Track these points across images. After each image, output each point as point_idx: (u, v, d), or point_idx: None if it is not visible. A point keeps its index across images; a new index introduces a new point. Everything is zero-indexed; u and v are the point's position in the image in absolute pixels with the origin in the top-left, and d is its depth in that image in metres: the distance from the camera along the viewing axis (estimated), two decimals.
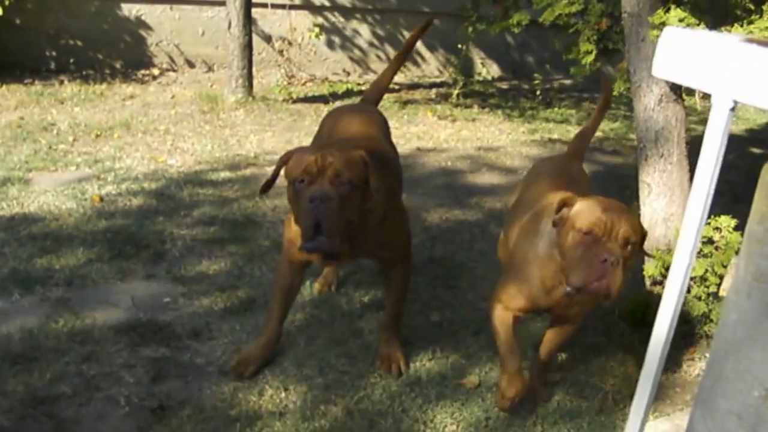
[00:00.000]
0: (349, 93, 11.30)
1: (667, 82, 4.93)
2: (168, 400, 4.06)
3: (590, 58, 7.35)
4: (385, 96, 11.38)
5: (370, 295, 5.25)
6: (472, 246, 6.20)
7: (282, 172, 4.07)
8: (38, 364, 4.29)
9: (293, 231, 4.13)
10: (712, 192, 2.54)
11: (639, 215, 5.09)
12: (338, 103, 10.56)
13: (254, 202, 6.66)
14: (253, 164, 7.72)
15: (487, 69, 13.66)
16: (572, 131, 10.06)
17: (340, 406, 4.12)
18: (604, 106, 5.10)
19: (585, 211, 3.71)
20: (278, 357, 4.49)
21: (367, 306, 5.13)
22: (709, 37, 2.42)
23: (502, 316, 4.06)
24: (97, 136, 8.48)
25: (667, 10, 4.67)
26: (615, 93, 6.79)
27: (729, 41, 2.33)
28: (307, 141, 8.55)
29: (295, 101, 10.65)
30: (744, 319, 2.26)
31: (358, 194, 3.90)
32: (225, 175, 7.37)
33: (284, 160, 4.04)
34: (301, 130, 9.17)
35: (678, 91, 5.05)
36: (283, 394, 4.18)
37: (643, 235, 3.80)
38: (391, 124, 9.59)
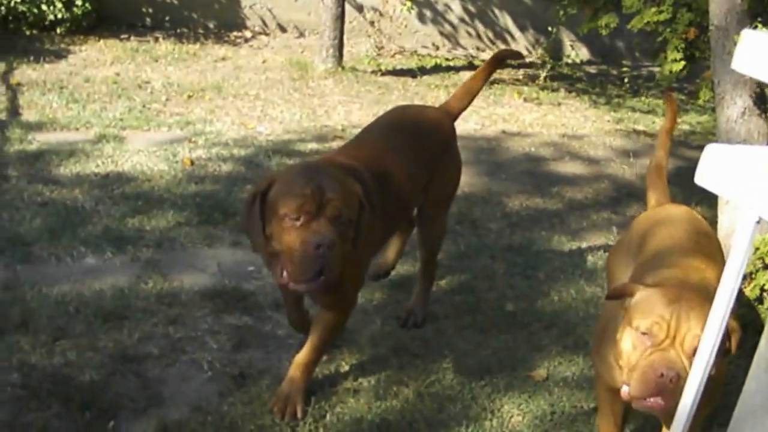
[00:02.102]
0: (436, 68, 11.37)
1: (750, 96, 4.95)
2: (249, 368, 4.24)
3: (678, 66, 7.34)
4: (472, 74, 11.45)
5: (447, 280, 5.36)
6: (551, 237, 6.27)
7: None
8: (128, 323, 4.51)
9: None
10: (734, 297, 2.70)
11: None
12: (426, 79, 10.66)
13: None
14: (341, 137, 7.85)
15: (576, 52, 13.58)
16: (658, 123, 10.01)
17: (412, 388, 4.25)
18: (671, 129, 4.55)
19: (645, 304, 3.15)
20: (355, 335, 4.64)
21: (444, 290, 5.25)
22: (744, 151, 2.56)
23: (600, 383, 3.64)
24: (189, 97, 8.70)
25: (755, 27, 4.68)
26: (700, 101, 6.83)
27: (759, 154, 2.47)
28: None
29: (383, 73, 10.75)
30: (761, 389, 2.58)
31: (351, 230, 3.67)
32: (312, 146, 7.52)
33: (263, 187, 3.63)
34: (387, 103, 9.26)
35: (762, 105, 5.06)
36: (358, 372, 4.33)
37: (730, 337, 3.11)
38: (477, 103, 9.72)
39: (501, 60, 5.33)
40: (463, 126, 8.71)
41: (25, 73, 8.95)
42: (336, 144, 7.61)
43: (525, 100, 10.51)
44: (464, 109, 5.00)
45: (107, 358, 4.22)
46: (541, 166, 7.96)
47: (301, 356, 4.06)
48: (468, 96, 4.99)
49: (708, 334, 2.72)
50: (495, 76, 11.29)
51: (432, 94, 10.02)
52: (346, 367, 4.36)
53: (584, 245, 6.18)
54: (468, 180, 7.15)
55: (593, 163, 8.22)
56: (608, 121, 10.09)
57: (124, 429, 3.77)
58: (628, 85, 12.06)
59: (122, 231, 5.46)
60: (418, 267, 4.95)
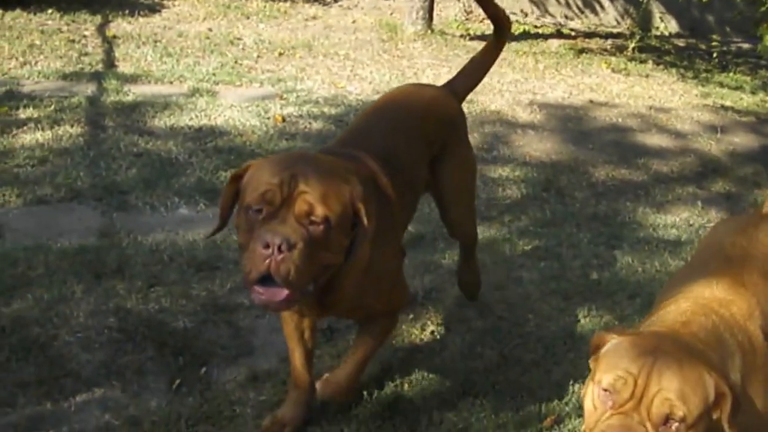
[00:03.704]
0: (524, 35, 11.30)
1: None
2: (336, 322, 4.33)
3: None
4: (561, 42, 11.48)
5: (533, 245, 5.40)
6: (636, 208, 6.25)
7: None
8: (220, 273, 4.64)
9: None
10: None
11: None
12: (514, 45, 10.61)
13: None
14: None
15: (665, 24, 13.38)
16: (746, 99, 9.88)
17: (496, 350, 4.31)
18: None
19: (612, 355, 2.64)
20: (441, 295, 4.71)
21: (529, 254, 5.29)
22: None
23: None
24: (280, 54, 8.80)
25: None
26: None
27: None
28: (482, 81, 8.72)
29: (471, 38, 10.73)
30: None
31: (338, 234, 2.99)
32: None
33: (239, 174, 3.10)
34: None
35: None
36: (443, 332, 4.41)
37: (712, 405, 2.53)
38: (565, 72, 9.74)
39: (507, 30, 4.45)
40: (551, 94, 8.72)
41: (121, 26, 9.13)
42: None
43: (613, 70, 10.41)
44: (473, 87, 4.43)
45: (200, 307, 4.35)
46: (628, 137, 7.91)
47: (344, 371, 3.55)
48: (477, 73, 4.39)
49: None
50: (582, 45, 11.34)
51: (519, 60, 9.99)
52: (432, 327, 4.43)
53: (669, 218, 6.16)
54: (554, 148, 7.16)
55: (680, 137, 8.14)
56: (696, 95, 9.95)
57: (215, 375, 3.91)
58: (716, 60, 11.86)
59: (215, 184, 5.59)
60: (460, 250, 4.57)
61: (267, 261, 2.82)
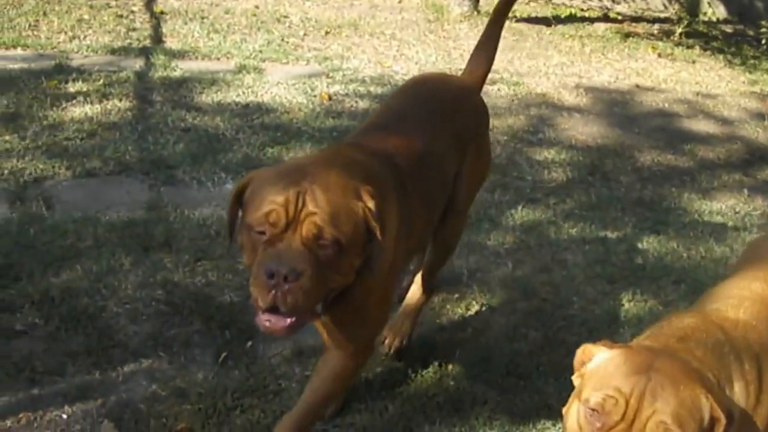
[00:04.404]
0: (571, 18, 11.22)
1: None
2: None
3: None
4: (607, 26, 11.38)
5: (578, 228, 5.38)
6: (681, 194, 6.21)
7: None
8: None
9: None
10: None
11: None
12: (560, 28, 10.54)
13: None
14: None
15: (713, 9, 13.22)
16: None
17: (540, 332, 4.32)
18: None
19: (601, 371, 2.41)
20: (486, 276, 4.72)
21: (574, 238, 5.27)
22: None
23: None
24: (327, 33, 8.80)
25: None
26: None
27: None
28: (527, 64, 8.72)
29: (518, 20, 10.65)
30: None
31: (349, 256, 2.77)
32: None
33: (241, 187, 2.86)
34: (522, 50, 9.22)
35: None
36: (487, 312, 4.42)
37: (707, 429, 2.32)
38: (612, 56, 9.66)
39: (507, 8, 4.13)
40: (597, 78, 8.67)
41: (168, 2, 9.15)
42: None
43: (659, 55, 10.30)
44: (486, 75, 4.10)
45: (246, 281, 4.32)
46: (674, 122, 7.84)
47: (293, 416, 3.25)
48: (487, 60, 4.08)
49: None
50: (629, 29, 11.23)
51: (566, 43, 9.92)
52: (477, 307, 4.44)
53: (715, 205, 6.12)
54: (600, 131, 7.13)
55: (726, 124, 8.06)
56: (743, 82, 9.84)
57: (261, 349, 3.94)
58: (765, 47, 11.69)
59: (261, 160, 5.61)
60: (416, 278, 4.09)
61: (273, 292, 2.63)
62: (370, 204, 2.77)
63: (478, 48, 4.09)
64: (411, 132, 3.45)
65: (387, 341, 3.98)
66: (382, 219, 2.80)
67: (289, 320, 2.71)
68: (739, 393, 2.58)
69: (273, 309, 2.68)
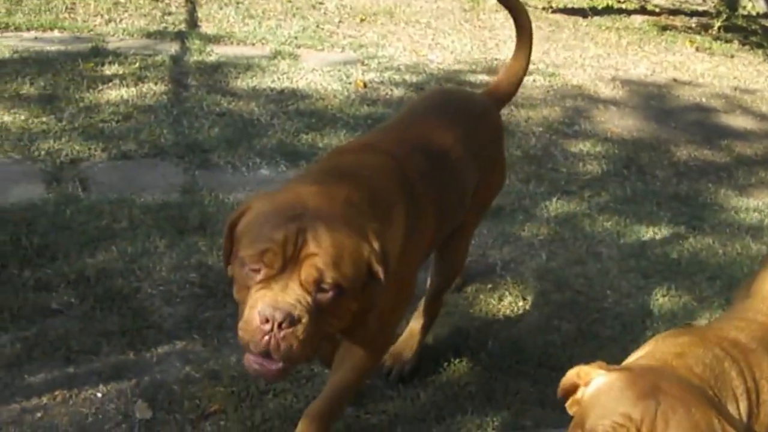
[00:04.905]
0: (608, 10, 11.13)
1: None
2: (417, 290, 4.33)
3: None
4: (644, 18, 11.29)
5: (612, 221, 5.34)
6: (718, 189, 6.15)
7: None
8: None
9: None
10: None
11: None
12: (596, 20, 10.47)
13: (509, 109, 6.79)
14: None
15: (752, 3, 13.07)
16: None
17: (573, 324, 4.30)
18: None
19: (604, 398, 2.25)
20: (520, 267, 4.70)
21: (608, 231, 5.23)
22: None
23: None
24: (362, 20, 8.79)
25: None
26: None
27: None
28: (563, 55, 8.65)
29: (554, 11, 10.59)
30: None
31: (348, 300, 2.59)
32: (482, 78, 7.51)
33: (236, 218, 2.67)
34: (558, 42, 9.16)
35: None
36: (520, 303, 4.40)
37: None
38: (649, 49, 9.58)
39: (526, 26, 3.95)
40: (633, 70, 8.60)
41: None
42: None
43: (697, 49, 10.21)
44: (510, 96, 4.00)
45: None
46: (711, 117, 7.76)
47: (317, 407, 3.15)
48: (518, 79, 3.94)
49: None
50: (667, 22, 11.14)
51: (602, 35, 9.84)
52: (510, 298, 4.42)
53: (751, 202, 6.07)
54: (636, 125, 7.08)
55: (765, 119, 7.97)
56: None
57: None
58: None
59: (296, 146, 5.61)
60: (423, 299, 3.91)
61: (266, 337, 2.46)
62: (376, 245, 2.59)
63: (506, 70, 3.95)
64: (428, 140, 3.29)
65: (387, 364, 3.76)
66: (386, 260, 2.62)
67: (280, 365, 2.53)
68: (741, 409, 2.47)
69: (264, 354, 2.51)
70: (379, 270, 2.58)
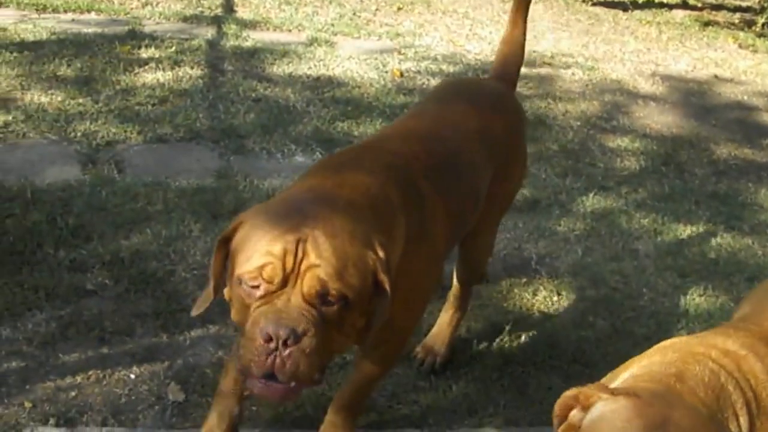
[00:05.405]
0: (648, 4, 11.01)
1: None
2: (448, 281, 4.30)
3: None
4: (686, 13, 11.17)
5: (650, 218, 5.28)
6: (758, 189, 6.06)
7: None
8: None
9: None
10: None
11: None
12: (637, 13, 10.37)
13: (546, 102, 6.74)
14: (549, 64, 7.75)
15: None
16: None
17: (608, 321, 4.25)
18: None
19: (608, 428, 2.05)
20: (555, 262, 4.66)
21: (645, 228, 5.18)
22: None
23: None
24: (399, 9, 8.74)
25: None
26: None
27: None
28: (603, 49, 8.57)
29: (594, 3, 10.50)
30: None
31: (354, 313, 2.45)
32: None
33: (229, 233, 2.51)
34: (597, 35, 9.08)
35: None
36: (555, 298, 4.36)
37: None
38: (690, 44, 9.47)
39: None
40: (674, 66, 8.50)
41: None
42: (544, 71, 7.51)
43: (740, 45, 10.08)
44: (519, 72, 3.81)
45: None
46: (753, 116, 7.66)
47: (343, 398, 3.13)
48: (522, 48, 3.78)
49: None
50: (708, 17, 11.02)
51: (643, 29, 9.75)
52: (544, 293, 4.38)
53: None
54: (676, 121, 7.00)
55: None
56: None
57: None
58: None
59: (331, 133, 5.59)
60: (451, 292, 3.88)
61: (270, 357, 2.31)
62: (382, 254, 2.44)
63: (504, 43, 3.77)
64: (437, 136, 3.16)
65: (420, 356, 3.75)
66: (391, 270, 2.48)
67: (287, 387, 2.39)
68: (742, 424, 2.34)
69: (268, 377, 2.37)
70: (385, 280, 2.44)
